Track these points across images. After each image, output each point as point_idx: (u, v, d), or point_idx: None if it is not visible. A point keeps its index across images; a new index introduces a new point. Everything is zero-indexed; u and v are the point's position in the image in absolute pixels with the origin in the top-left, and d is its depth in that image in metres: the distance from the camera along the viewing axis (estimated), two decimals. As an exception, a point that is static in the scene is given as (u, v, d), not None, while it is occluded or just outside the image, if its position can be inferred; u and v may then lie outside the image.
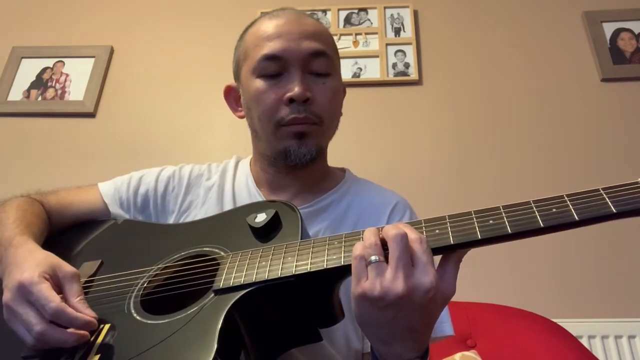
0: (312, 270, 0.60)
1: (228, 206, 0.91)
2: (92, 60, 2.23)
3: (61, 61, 2.26)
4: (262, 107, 0.85)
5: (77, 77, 2.21)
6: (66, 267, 0.69)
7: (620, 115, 2.00)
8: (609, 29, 2.13)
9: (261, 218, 0.71)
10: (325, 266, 0.60)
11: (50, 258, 0.70)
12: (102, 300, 0.70)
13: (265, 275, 0.62)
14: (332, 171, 0.99)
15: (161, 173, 0.98)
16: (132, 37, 2.30)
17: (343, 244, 0.62)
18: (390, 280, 0.55)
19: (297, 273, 0.61)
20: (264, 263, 0.64)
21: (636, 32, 2.13)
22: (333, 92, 0.89)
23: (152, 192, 0.95)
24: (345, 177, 0.98)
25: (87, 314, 0.64)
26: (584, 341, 1.59)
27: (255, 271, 0.63)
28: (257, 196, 0.92)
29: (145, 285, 0.71)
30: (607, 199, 0.54)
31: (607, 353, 1.60)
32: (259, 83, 0.86)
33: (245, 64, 0.90)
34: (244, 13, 2.26)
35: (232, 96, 0.97)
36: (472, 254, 0.61)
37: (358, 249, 0.58)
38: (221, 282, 0.64)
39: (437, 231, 0.60)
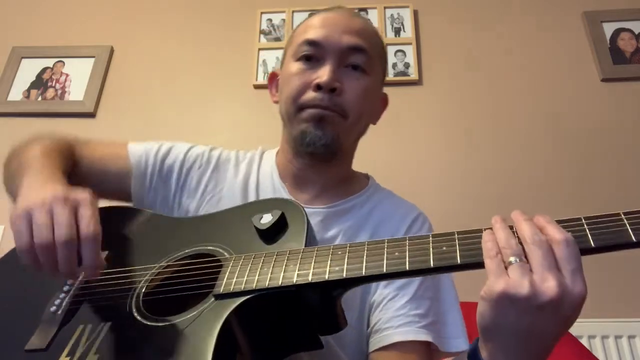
0: (312, 281, 0.59)
1: (252, 197, 0.90)
2: (92, 60, 2.24)
3: (61, 61, 2.26)
4: (290, 88, 0.87)
5: (77, 77, 2.22)
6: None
7: (620, 115, 2.00)
8: (609, 29, 2.14)
9: (266, 219, 0.70)
10: (326, 278, 0.59)
11: None
12: (105, 297, 0.70)
13: (265, 283, 0.61)
14: (358, 176, 1.00)
15: (191, 149, 0.97)
16: (132, 37, 2.30)
17: (347, 254, 0.61)
18: (539, 282, 0.50)
19: (297, 283, 0.60)
20: (265, 269, 0.63)
21: (636, 32, 2.13)
22: (365, 89, 0.88)
23: (179, 164, 0.94)
24: (370, 184, 0.97)
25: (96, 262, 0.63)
26: (584, 341, 1.59)
27: (256, 278, 0.62)
28: (281, 190, 0.91)
29: (148, 283, 0.71)
30: (628, 225, 0.51)
31: (607, 353, 1.60)
32: (295, 67, 0.88)
33: (289, 49, 0.93)
34: (244, 13, 2.26)
35: (274, 82, 0.99)
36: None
37: (493, 248, 0.53)
38: (222, 286, 0.64)
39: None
